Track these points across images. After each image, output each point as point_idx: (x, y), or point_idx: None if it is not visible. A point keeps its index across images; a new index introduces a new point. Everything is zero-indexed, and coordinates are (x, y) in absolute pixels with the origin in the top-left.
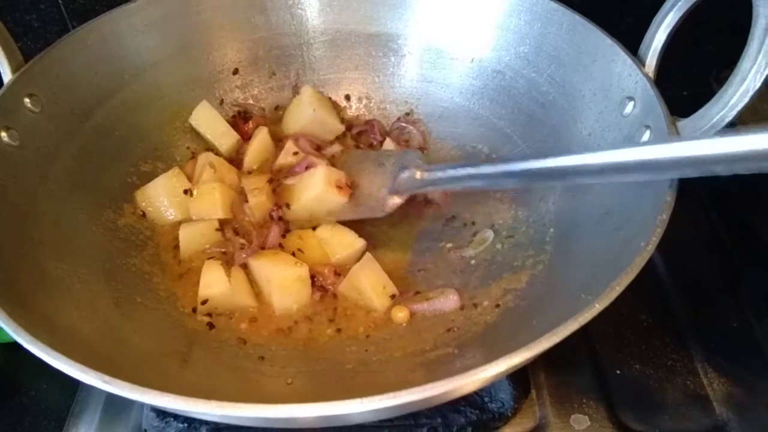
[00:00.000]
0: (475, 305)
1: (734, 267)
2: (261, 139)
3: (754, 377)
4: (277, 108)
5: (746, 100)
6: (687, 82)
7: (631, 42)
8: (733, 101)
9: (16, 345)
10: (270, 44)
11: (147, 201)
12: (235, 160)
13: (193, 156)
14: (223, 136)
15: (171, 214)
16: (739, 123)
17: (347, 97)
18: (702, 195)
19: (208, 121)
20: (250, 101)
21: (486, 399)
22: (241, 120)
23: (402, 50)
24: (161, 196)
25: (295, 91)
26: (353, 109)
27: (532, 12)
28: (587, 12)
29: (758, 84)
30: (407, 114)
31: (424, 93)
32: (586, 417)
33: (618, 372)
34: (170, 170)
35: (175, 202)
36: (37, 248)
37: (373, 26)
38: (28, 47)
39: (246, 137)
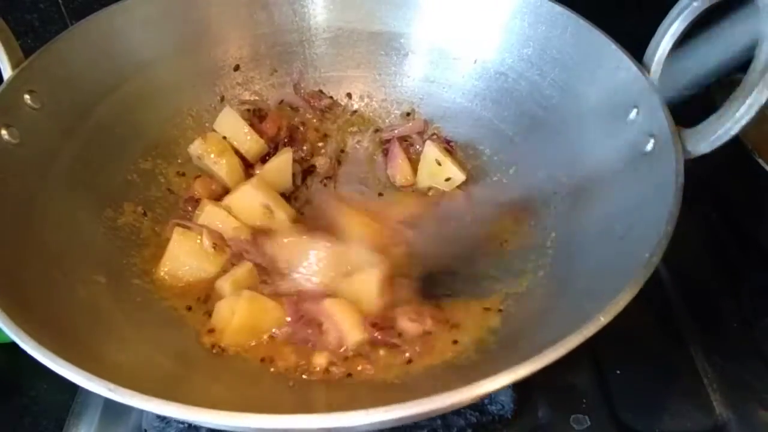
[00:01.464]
0: (477, 311)
1: (734, 268)
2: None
3: (754, 377)
4: (281, 103)
5: (752, 113)
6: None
7: (634, 45)
8: (738, 114)
9: (16, 345)
10: (272, 41)
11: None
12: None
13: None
14: (248, 142)
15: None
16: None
17: (349, 95)
18: (702, 195)
19: (233, 128)
20: (254, 98)
21: (486, 401)
22: (256, 119)
23: (404, 49)
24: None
25: (297, 89)
26: (354, 108)
27: (536, 14)
28: (589, 13)
29: (764, 98)
30: (408, 114)
31: (426, 93)
32: (586, 417)
33: (618, 372)
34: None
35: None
36: (38, 248)
37: (376, 24)
38: (28, 46)
39: (266, 136)
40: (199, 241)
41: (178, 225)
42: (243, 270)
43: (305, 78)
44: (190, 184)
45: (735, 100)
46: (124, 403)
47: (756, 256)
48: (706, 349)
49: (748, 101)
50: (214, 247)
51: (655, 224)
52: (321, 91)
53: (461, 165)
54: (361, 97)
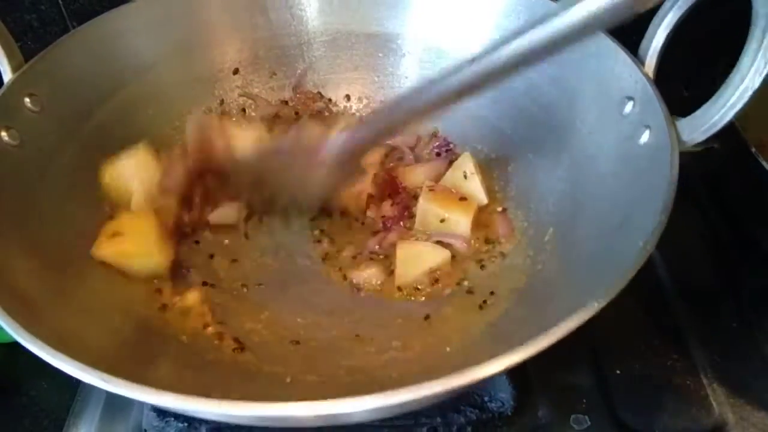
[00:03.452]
0: (475, 305)
1: (734, 267)
2: None
3: (754, 377)
4: (280, 112)
5: (745, 99)
6: (686, 79)
7: (628, 38)
8: (732, 100)
9: (16, 345)
10: (270, 44)
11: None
12: None
13: None
14: None
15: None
16: (737, 121)
17: (347, 98)
18: (702, 195)
19: None
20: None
21: (486, 398)
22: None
23: (401, 50)
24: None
25: (296, 90)
26: (353, 109)
27: (531, 12)
28: None
29: (757, 84)
30: None
31: None
32: (586, 417)
33: (618, 372)
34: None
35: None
36: (38, 248)
37: (373, 26)
38: (28, 47)
39: None
40: None
41: None
42: None
43: (304, 81)
44: None
45: (728, 87)
46: (118, 393)
47: (756, 256)
48: (706, 349)
49: (741, 87)
50: None
51: (651, 214)
52: (320, 94)
53: None
54: (360, 99)
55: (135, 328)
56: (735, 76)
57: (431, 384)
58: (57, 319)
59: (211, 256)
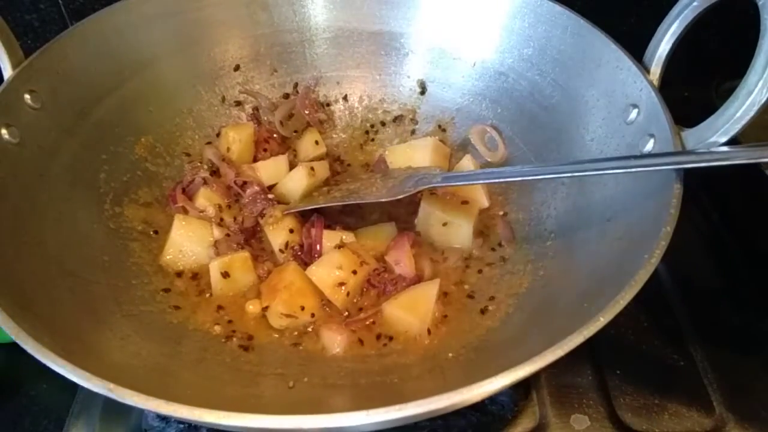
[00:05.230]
0: (476, 310)
1: (734, 267)
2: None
3: (754, 377)
4: (286, 97)
5: (752, 113)
6: (688, 83)
7: (633, 43)
8: (738, 114)
9: (16, 345)
10: (272, 41)
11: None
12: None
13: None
14: None
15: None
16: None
17: (348, 96)
18: (702, 196)
19: None
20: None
21: (486, 401)
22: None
23: (404, 49)
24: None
25: (296, 89)
26: (354, 108)
27: (536, 14)
28: (589, 13)
29: (764, 98)
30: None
31: (427, 93)
32: (586, 417)
33: (618, 372)
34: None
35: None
36: (38, 247)
37: (376, 24)
38: (28, 46)
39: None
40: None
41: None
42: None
43: (305, 78)
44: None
45: (735, 100)
46: (124, 402)
47: (756, 256)
48: (706, 349)
49: (748, 101)
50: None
51: (654, 225)
52: (322, 104)
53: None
54: (361, 98)
55: (140, 327)
56: (741, 90)
57: (439, 398)
58: (59, 322)
59: None
